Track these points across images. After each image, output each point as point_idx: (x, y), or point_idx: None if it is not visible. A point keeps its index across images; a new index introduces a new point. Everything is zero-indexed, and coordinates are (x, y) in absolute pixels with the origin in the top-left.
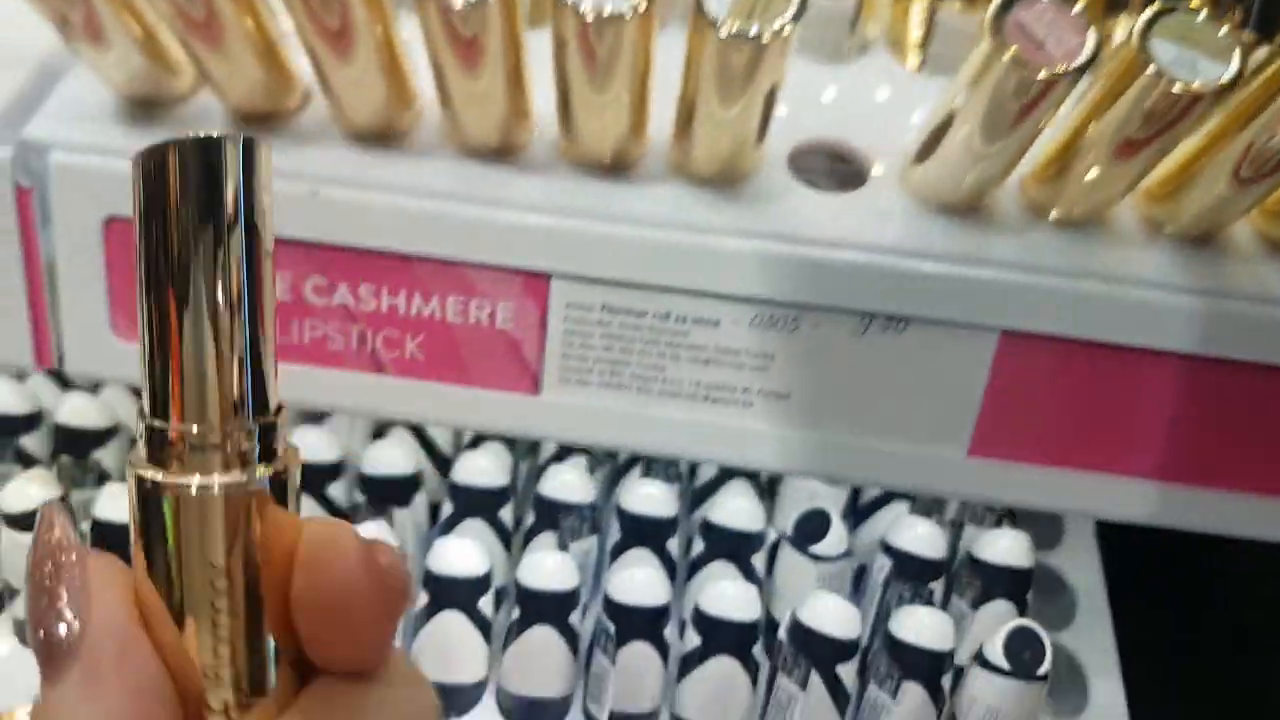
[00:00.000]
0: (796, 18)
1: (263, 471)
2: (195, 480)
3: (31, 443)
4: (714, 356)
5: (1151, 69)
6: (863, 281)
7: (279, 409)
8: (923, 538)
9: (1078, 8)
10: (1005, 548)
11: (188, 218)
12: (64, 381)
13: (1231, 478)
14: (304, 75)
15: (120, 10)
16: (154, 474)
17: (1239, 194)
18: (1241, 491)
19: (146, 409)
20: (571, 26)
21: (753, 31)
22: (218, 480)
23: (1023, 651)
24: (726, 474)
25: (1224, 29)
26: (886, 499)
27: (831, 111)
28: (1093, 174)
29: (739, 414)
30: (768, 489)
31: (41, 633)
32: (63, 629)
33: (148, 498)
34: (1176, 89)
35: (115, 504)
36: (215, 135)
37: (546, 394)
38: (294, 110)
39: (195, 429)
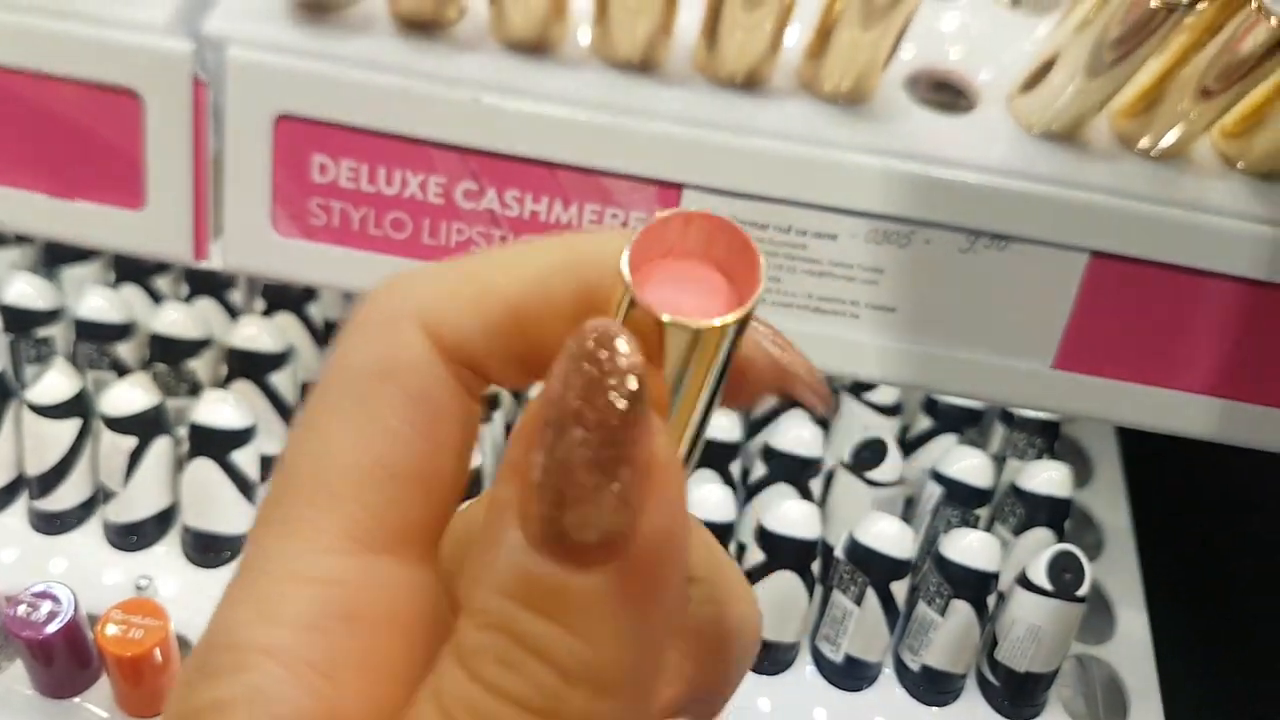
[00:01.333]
0: None
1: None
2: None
3: (126, 351)
4: (828, 269)
5: (1254, 3)
6: (970, 199)
7: None
8: (971, 467)
9: None
10: (1047, 478)
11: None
12: (154, 294)
13: None
14: None
15: None
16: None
17: None
18: None
19: None
20: None
21: None
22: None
23: (1064, 574)
24: (785, 403)
25: None
26: (935, 432)
27: (942, 41)
28: (1179, 110)
29: (847, 325)
30: (821, 419)
31: (572, 505)
32: (612, 519)
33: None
34: (1274, 22)
35: (211, 410)
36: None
37: None
38: (454, 20)
39: None
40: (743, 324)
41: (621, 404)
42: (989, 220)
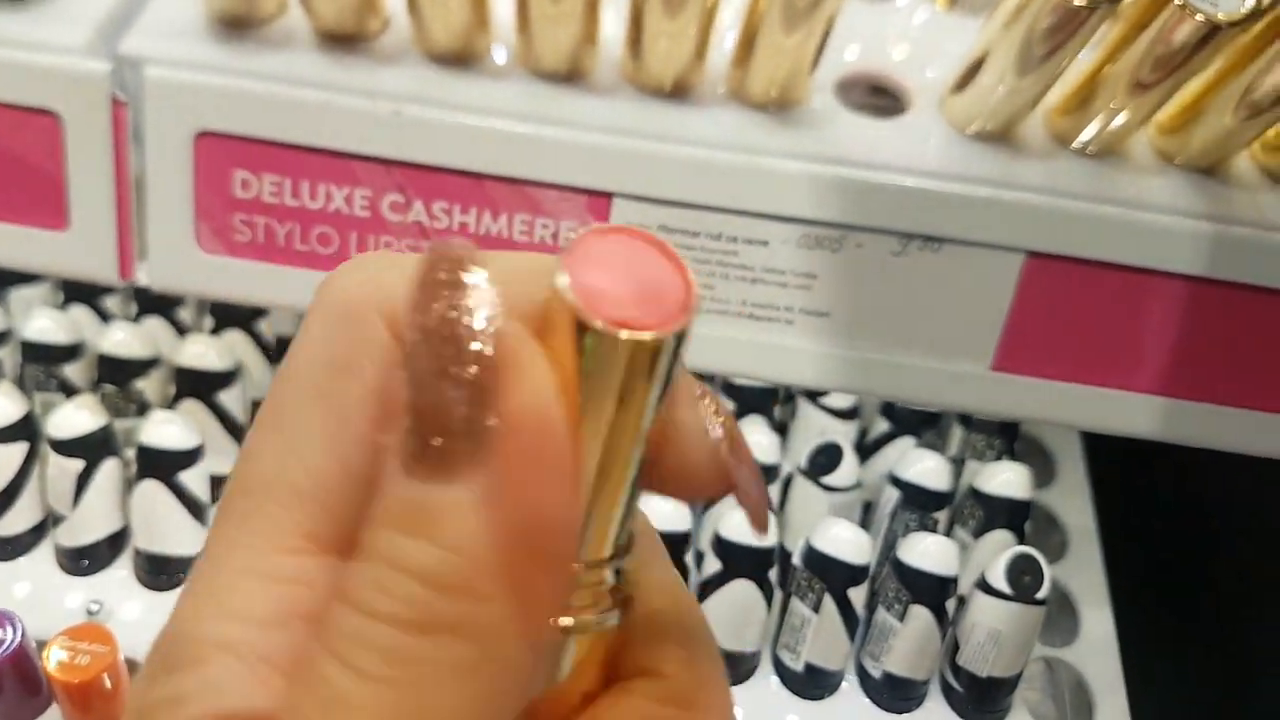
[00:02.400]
0: None
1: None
2: None
3: (74, 372)
4: (760, 276)
5: (1177, 0)
6: (902, 203)
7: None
8: (929, 470)
9: None
10: (1005, 480)
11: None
12: (102, 313)
13: (1235, 395)
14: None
15: None
16: None
17: (1242, 128)
18: (1244, 408)
19: None
20: None
21: None
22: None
23: (1022, 577)
24: (743, 409)
25: None
26: (893, 435)
27: (872, 44)
28: (1112, 106)
29: (781, 331)
30: (780, 424)
31: (432, 410)
32: (471, 418)
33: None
34: (1199, 19)
35: (158, 431)
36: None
37: None
38: (376, 33)
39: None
40: (679, 340)
41: (465, 317)
42: (922, 223)
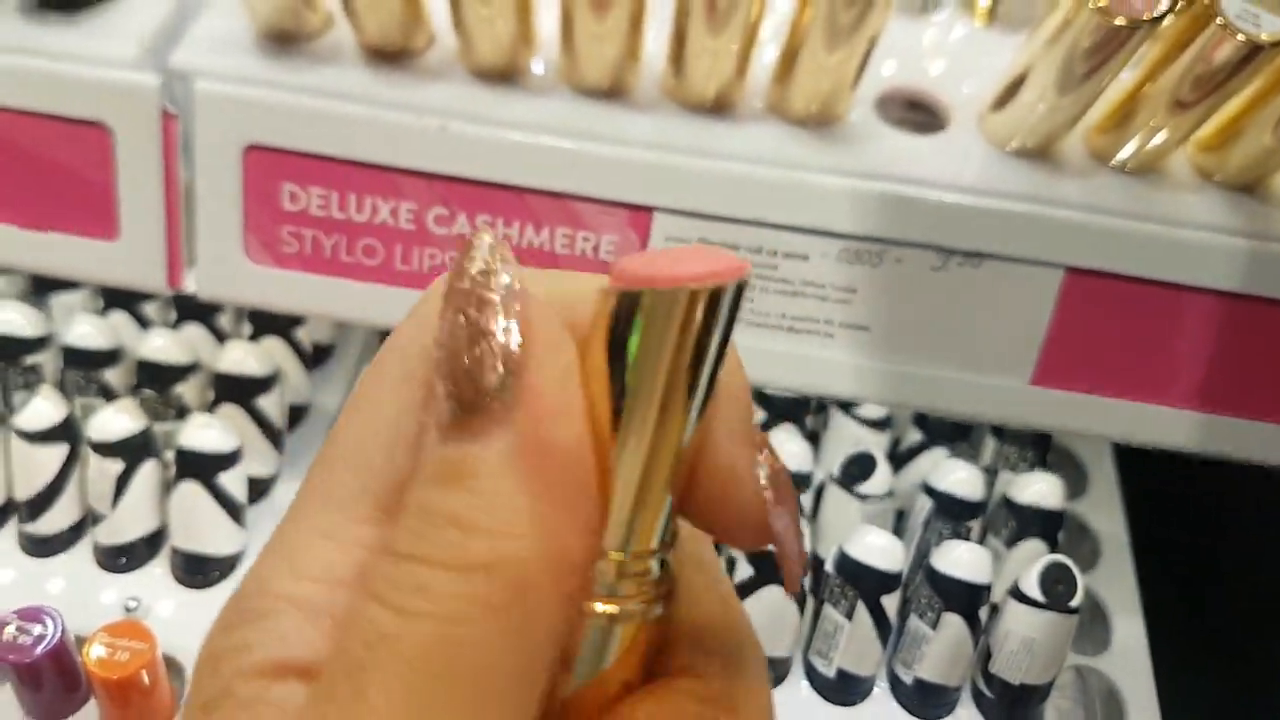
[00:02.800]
0: None
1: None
2: None
3: (114, 377)
4: (800, 289)
5: (1220, 20)
6: (942, 218)
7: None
8: (962, 480)
9: None
10: (1038, 490)
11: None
12: (141, 319)
13: (1271, 410)
14: (433, 16)
15: None
16: None
17: None
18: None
19: None
20: None
21: None
22: None
23: (1056, 585)
24: (775, 417)
25: None
26: (925, 445)
27: (911, 61)
28: (1153, 124)
29: (821, 344)
30: (812, 433)
31: (470, 382)
32: (498, 383)
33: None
34: (1240, 38)
35: (198, 434)
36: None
37: None
38: (421, 49)
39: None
40: (729, 300)
41: (493, 292)
42: (961, 238)
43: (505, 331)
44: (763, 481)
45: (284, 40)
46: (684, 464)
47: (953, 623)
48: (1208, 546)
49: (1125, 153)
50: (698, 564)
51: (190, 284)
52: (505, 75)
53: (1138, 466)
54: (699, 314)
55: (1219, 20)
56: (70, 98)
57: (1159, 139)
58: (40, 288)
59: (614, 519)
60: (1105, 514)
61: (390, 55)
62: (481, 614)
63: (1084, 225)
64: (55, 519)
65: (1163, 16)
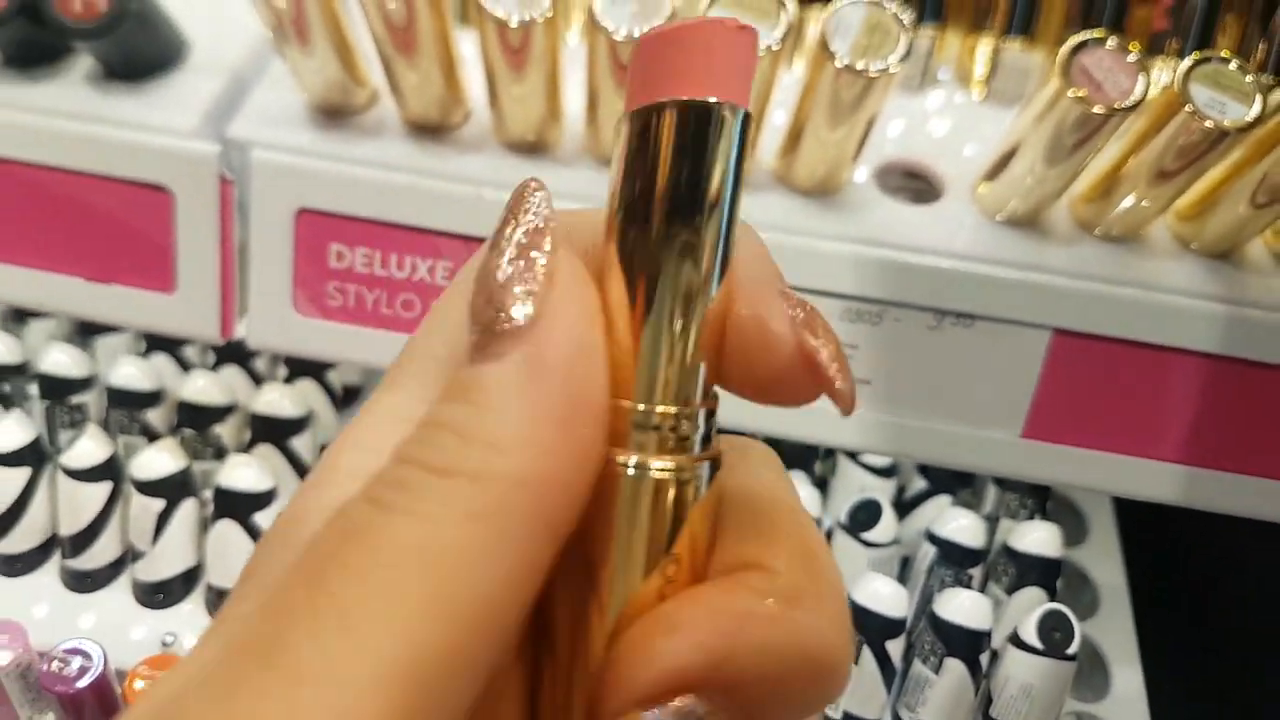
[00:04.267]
0: (903, 59)
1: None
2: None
3: (155, 417)
4: None
5: (1189, 108)
6: (937, 282)
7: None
8: (964, 528)
9: (1131, 56)
10: (1037, 539)
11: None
12: (182, 362)
13: (1250, 463)
14: (470, 94)
15: (327, 19)
16: None
17: (1255, 216)
18: (1258, 475)
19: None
20: None
21: (866, 68)
22: None
23: (1053, 632)
24: (785, 464)
25: (1249, 76)
26: (929, 494)
27: (909, 136)
28: (1133, 197)
29: (823, 397)
30: (820, 480)
31: (493, 308)
32: (518, 310)
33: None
34: (1208, 125)
35: (235, 474)
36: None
37: None
38: (459, 124)
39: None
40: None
41: (529, 229)
42: (955, 301)
43: (530, 265)
44: (798, 315)
45: (333, 114)
46: (713, 320)
47: (954, 668)
48: (1205, 596)
49: (1109, 222)
50: (759, 467)
51: (241, 334)
52: (535, 148)
53: (1137, 517)
54: (718, 131)
55: (1188, 108)
56: (136, 163)
57: (1140, 209)
58: (85, 330)
59: (641, 374)
60: (1105, 563)
61: (430, 129)
62: (457, 520)
63: (1070, 290)
64: (97, 555)
65: (1136, 105)
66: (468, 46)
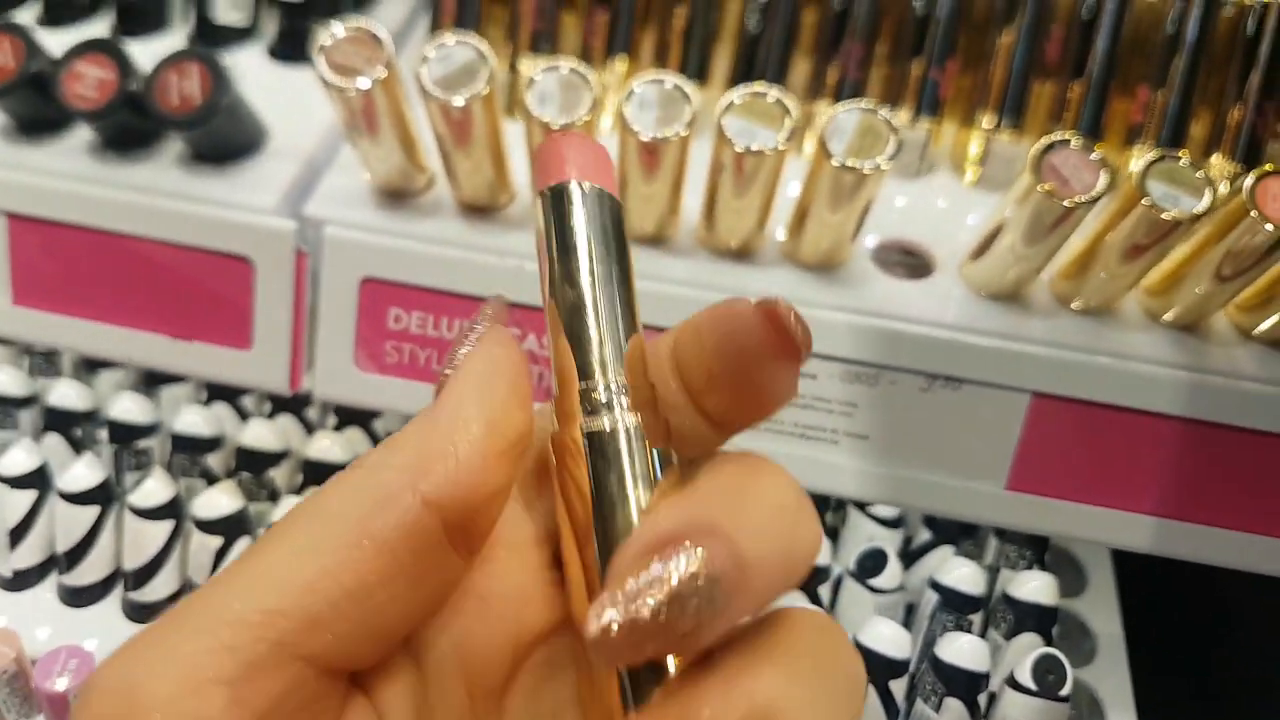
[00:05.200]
0: (892, 158)
1: None
2: None
3: (215, 461)
4: (810, 403)
5: (1146, 201)
6: (928, 349)
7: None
8: (966, 576)
9: (1094, 154)
10: (1034, 587)
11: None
12: (240, 411)
13: (1216, 515)
14: (515, 179)
15: (393, 114)
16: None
17: (1219, 291)
18: (1222, 527)
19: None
20: (728, 156)
21: (861, 166)
22: None
23: (1047, 675)
24: None
25: (1199, 172)
26: (934, 544)
27: (906, 216)
28: (1105, 273)
29: (827, 450)
30: (831, 530)
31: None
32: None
33: None
34: (1166, 216)
35: None
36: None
37: None
38: (505, 205)
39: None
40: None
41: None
42: (944, 366)
43: (459, 343)
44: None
45: (395, 195)
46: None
47: (954, 707)
48: (1200, 646)
49: (1084, 296)
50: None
51: (308, 386)
52: None
53: (1135, 570)
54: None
55: (1145, 201)
56: (221, 236)
57: (1111, 286)
58: (151, 380)
59: (588, 362)
60: (1102, 613)
61: (480, 209)
62: (343, 490)
63: (1048, 358)
64: (157, 588)
65: (1098, 198)
66: (514, 136)
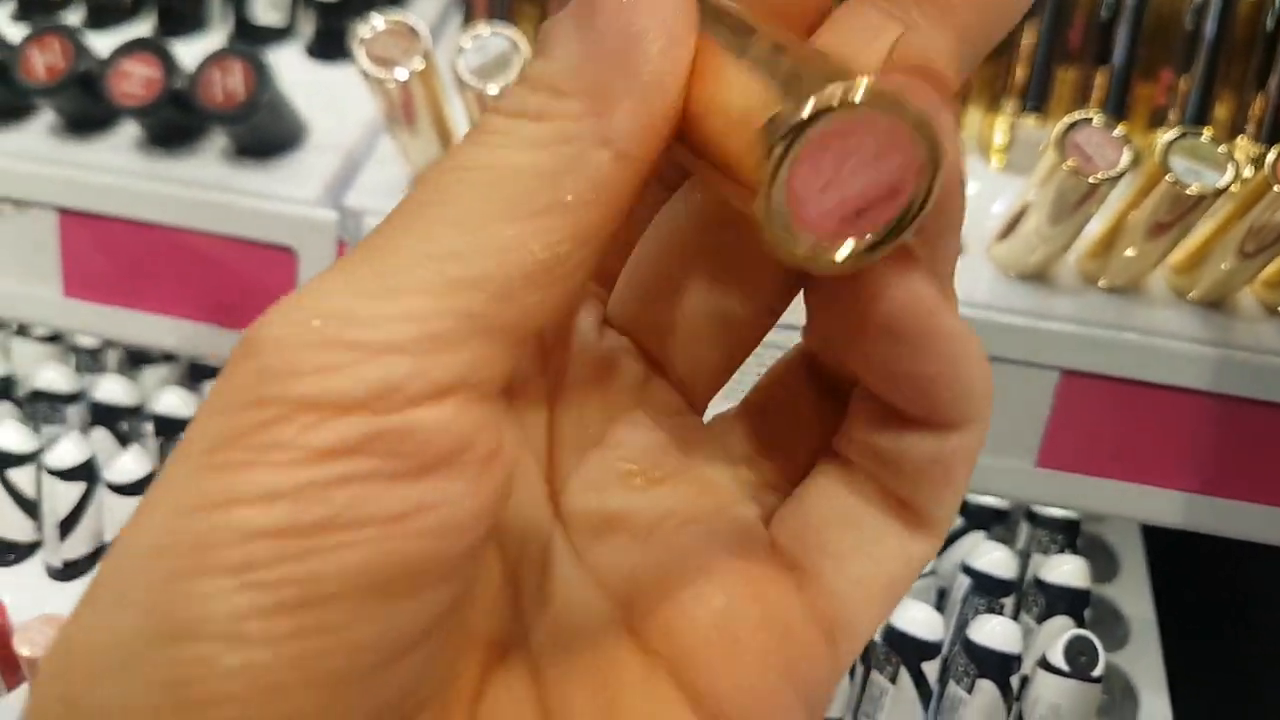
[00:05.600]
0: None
1: None
2: None
3: None
4: None
5: (1169, 177)
6: None
7: None
8: (998, 561)
9: (1117, 131)
10: (1066, 571)
11: None
12: None
13: (1241, 490)
14: None
15: (431, 106)
16: None
17: (1243, 266)
18: (1250, 501)
19: None
20: None
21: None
22: None
23: (1079, 656)
24: None
25: (1220, 147)
26: (965, 530)
27: None
28: (1130, 251)
29: None
30: None
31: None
32: None
33: None
34: (1189, 192)
35: None
36: None
37: None
38: None
39: None
40: None
41: None
42: None
43: None
44: None
45: None
46: None
47: (986, 689)
48: (1232, 629)
49: (1109, 275)
50: None
51: None
52: None
53: (1166, 552)
54: None
55: (1168, 178)
56: (265, 227)
57: (1137, 263)
58: (194, 375)
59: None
60: (1134, 598)
61: None
62: (520, 146)
63: (1075, 335)
64: None
65: (1122, 174)
66: None
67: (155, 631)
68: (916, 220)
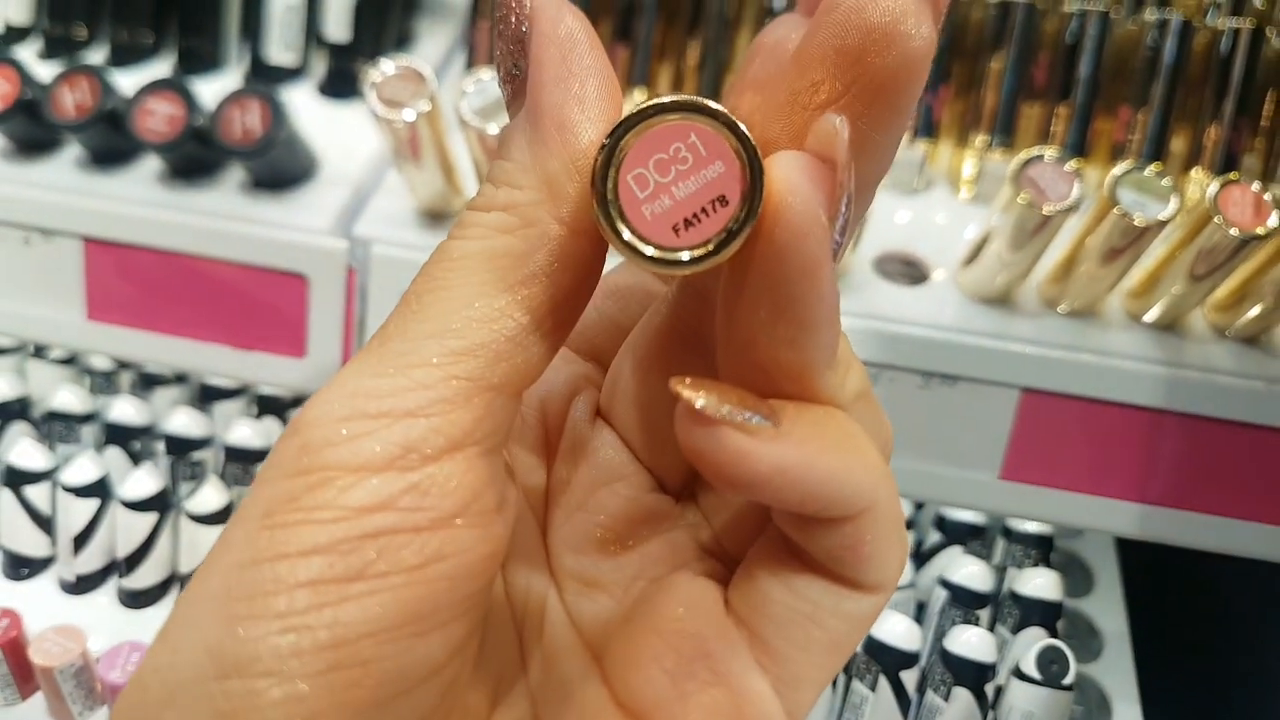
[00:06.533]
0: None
1: None
2: None
3: None
4: None
5: (1117, 209)
6: (925, 350)
7: None
8: (974, 574)
9: (1069, 165)
10: (1040, 584)
11: None
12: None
13: (1192, 501)
14: None
15: (435, 143)
16: None
17: (1193, 289)
18: (1200, 512)
19: None
20: None
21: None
22: None
23: (1051, 665)
24: None
25: (1166, 180)
26: (943, 545)
27: (905, 229)
28: (1087, 276)
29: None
30: None
31: (498, 63)
32: (511, 61)
33: None
34: (1136, 222)
35: None
36: None
37: None
38: None
39: None
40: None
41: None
42: (939, 365)
43: (517, 21)
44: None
45: (436, 217)
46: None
47: (962, 696)
48: (1203, 642)
49: (1068, 299)
50: None
51: None
52: None
53: (1140, 568)
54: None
55: (1116, 209)
56: (278, 255)
57: (1093, 287)
58: (206, 397)
59: None
60: (1109, 612)
61: None
62: (494, 234)
63: (1036, 356)
64: None
65: (1073, 207)
66: None
67: (213, 668)
68: (748, 224)
